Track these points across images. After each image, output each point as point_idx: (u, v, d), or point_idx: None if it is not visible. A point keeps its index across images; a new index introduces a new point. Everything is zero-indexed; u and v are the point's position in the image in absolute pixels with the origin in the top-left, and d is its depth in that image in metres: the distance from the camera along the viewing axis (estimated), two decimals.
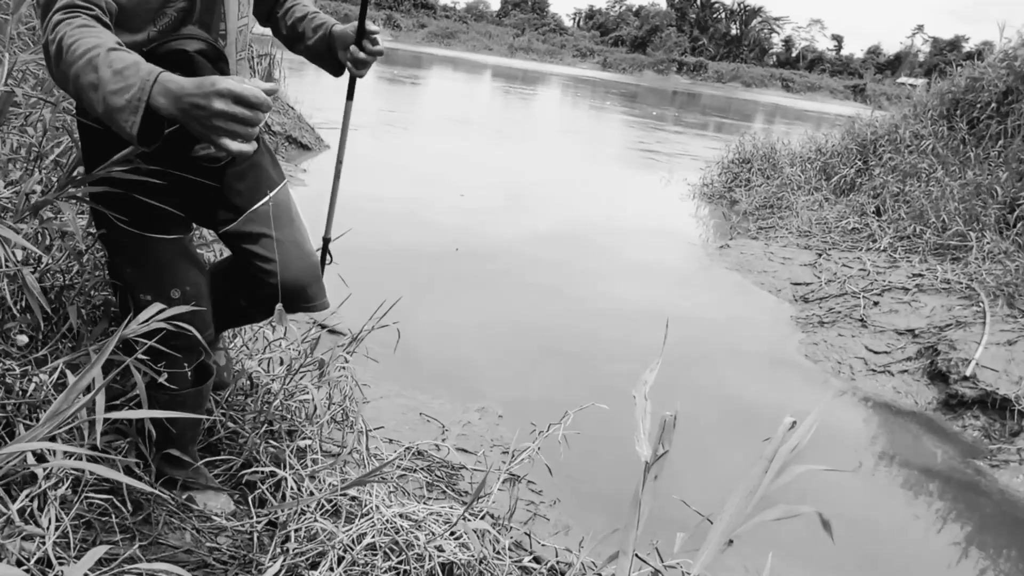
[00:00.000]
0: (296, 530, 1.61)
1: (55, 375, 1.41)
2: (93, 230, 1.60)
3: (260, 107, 0.99)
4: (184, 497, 1.62)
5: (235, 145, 1.00)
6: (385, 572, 1.57)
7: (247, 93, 0.97)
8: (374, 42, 1.56)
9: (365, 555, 1.60)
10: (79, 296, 1.69)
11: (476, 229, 5.43)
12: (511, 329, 3.74)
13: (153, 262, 1.43)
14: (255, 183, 1.52)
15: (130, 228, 1.40)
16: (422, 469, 2.19)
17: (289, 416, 2.00)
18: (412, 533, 1.67)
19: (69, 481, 1.39)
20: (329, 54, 1.61)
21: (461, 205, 6.17)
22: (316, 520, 1.62)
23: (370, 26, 1.54)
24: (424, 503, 1.90)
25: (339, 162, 1.77)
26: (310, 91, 9.99)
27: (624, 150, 11.99)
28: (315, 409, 2.03)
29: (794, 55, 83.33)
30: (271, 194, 1.54)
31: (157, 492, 1.56)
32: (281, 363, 2.19)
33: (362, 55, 1.55)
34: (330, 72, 1.67)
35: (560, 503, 2.25)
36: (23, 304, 1.55)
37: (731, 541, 2.33)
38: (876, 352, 3.84)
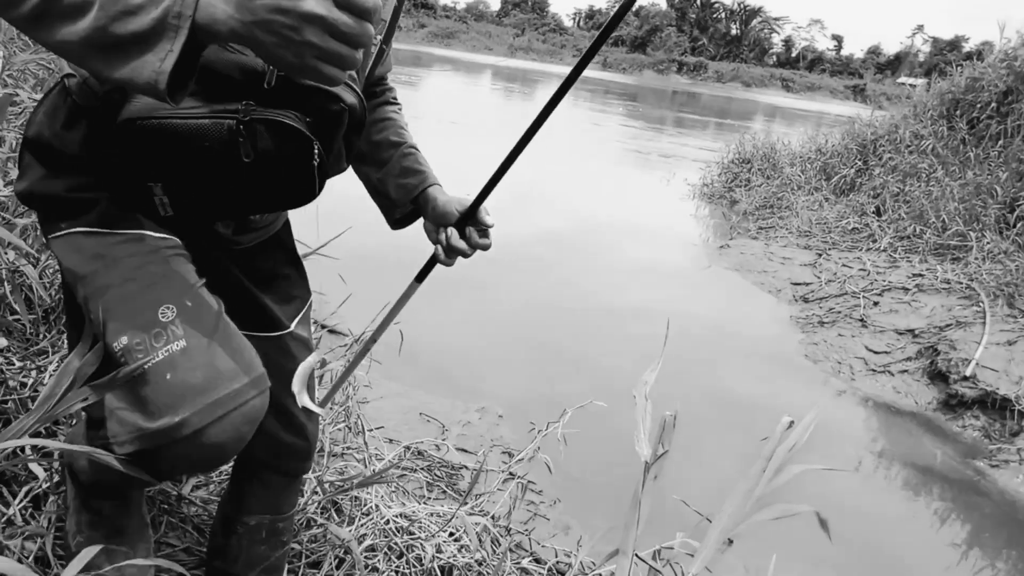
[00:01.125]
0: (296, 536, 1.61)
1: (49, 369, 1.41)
2: None
3: (370, 15, 0.66)
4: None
5: (332, 71, 0.67)
6: (385, 572, 1.57)
7: None
8: (484, 233, 1.13)
9: (366, 556, 1.60)
10: None
11: None
12: (511, 329, 3.74)
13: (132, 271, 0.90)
14: (282, 295, 1.16)
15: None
16: (422, 469, 2.19)
17: None
18: (411, 533, 1.67)
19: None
20: (408, 208, 1.22)
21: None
22: (318, 522, 1.62)
23: (484, 217, 1.12)
24: (424, 503, 1.90)
25: (373, 341, 1.32)
26: None
27: (622, 150, 11.99)
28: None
29: (794, 55, 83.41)
30: (290, 328, 1.16)
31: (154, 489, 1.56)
32: None
33: (462, 244, 1.11)
34: (388, 222, 1.27)
35: (560, 503, 2.25)
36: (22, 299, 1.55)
37: (731, 541, 2.34)
38: (876, 352, 3.84)
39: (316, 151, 0.86)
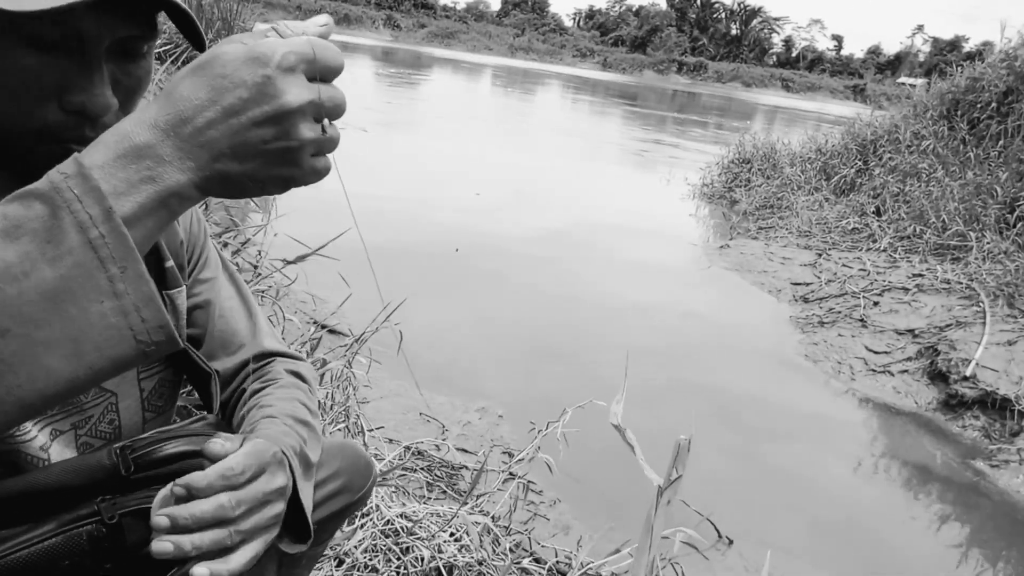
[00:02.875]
0: None
1: None
2: None
3: (340, 68, 0.49)
4: None
5: (326, 162, 0.52)
6: (385, 572, 1.57)
7: (323, 51, 0.48)
8: None
9: (366, 556, 1.60)
10: None
11: (477, 229, 5.44)
12: (511, 329, 3.74)
13: None
14: None
15: None
16: (422, 469, 2.19)
17: None
18: (412, 533, 1.67)
19: None
20: None
21: (461, 205, 6.17)
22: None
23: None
24: (424, 503, 1.90)
25: None
26: None
27: (622, 149, 11.99)
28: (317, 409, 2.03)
29: (794, 55, 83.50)
30: None
31: None
32: None
33: None
34: None
35: (560, 503, 2.25)
36: None
37: (731, 540, 2.34)
38: (876, 352, 3.84)
39: None
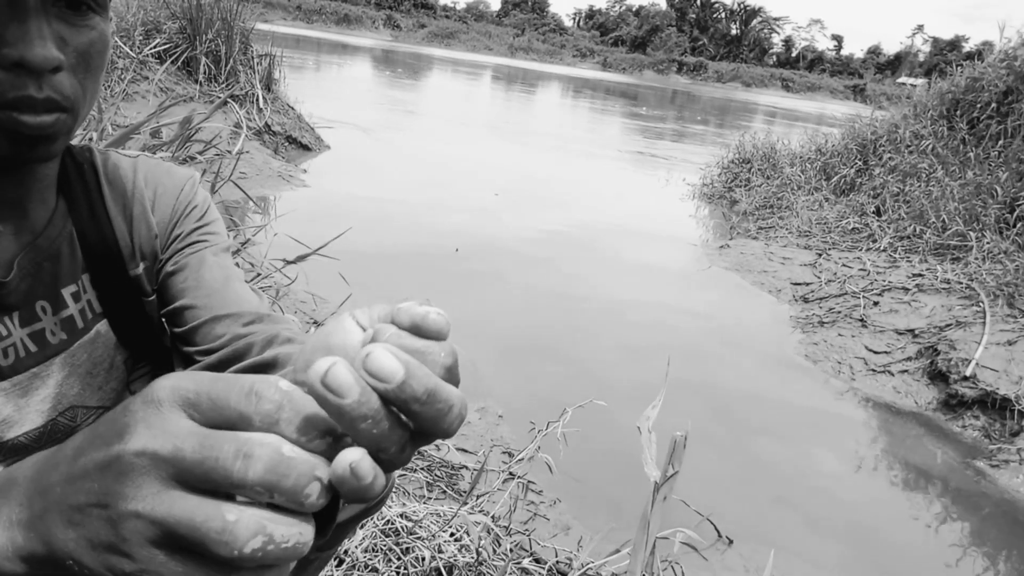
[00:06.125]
0: None
1: None
2: None
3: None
4: None
5: None
6: (385, 572, 1.57)
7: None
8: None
9: (366, 556, 1.60)
10: None
11: (476, 229, 5.44)
12: (511, 329, 3.74)
13: None
14: None
15: None
16: (422, 469, 2.19)
17: None
18: (412, 533, 1.67)
19: None
20: None
21: (461, 205, 6.17)
22: None
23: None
24: (424, 503, 1.90)
25: None
26: (310, 91, 10.00)
27: (621, 150, 11.98)
28: None
29: (794, 55, 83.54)
30: None
31: None
32: None
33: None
34: None
35: (560, 503, 2.25)
36: None
37: (731, 540, 2.34)
38: (876, 352, 3.84)
39: None
